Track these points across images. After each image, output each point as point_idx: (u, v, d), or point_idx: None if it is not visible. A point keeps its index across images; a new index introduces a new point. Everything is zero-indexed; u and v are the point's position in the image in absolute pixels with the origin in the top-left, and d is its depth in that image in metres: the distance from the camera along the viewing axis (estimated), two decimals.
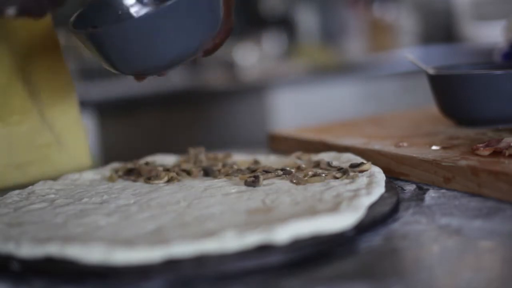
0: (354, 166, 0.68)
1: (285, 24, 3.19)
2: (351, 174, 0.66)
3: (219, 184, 0.67)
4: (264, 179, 0.67)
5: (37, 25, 0.83)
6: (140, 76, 0.68)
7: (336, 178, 0.66)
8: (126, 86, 2.59)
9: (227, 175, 0.71)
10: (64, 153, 0.88)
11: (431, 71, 0.86)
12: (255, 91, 2.68)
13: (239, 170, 0.72)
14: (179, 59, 0.64)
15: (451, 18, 3.52)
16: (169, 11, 0.60)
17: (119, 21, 0.66)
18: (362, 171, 0.67)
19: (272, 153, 0.88)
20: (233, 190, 0.64)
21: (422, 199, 0.62)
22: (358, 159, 0.71)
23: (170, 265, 0.47)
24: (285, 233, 0.49)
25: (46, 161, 0.86)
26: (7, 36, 0.82)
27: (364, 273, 0.46)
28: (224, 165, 0.75)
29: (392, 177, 0.70)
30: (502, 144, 0.66)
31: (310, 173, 0.67)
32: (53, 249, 0.49)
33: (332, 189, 0.62)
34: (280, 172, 0.69)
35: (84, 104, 2.40)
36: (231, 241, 0.48)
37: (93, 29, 0.63)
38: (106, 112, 2.43)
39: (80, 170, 0.87)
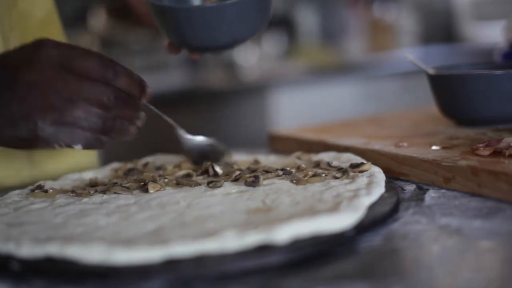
0: (354, 166, 0.68)
1: (285, 24, 3.19)
2: (351, 174, 0.66)
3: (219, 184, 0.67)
4: (264, 179, 0.67)
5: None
6: (196, 52, 0.81)
7: (336, 178, 0.66)
8: None
9: (226, 175, 0.71)
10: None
11: (431, 71, 0.86)
12: (255, 91, 2.68)
13: (239, 170, 0.72)
14: (235, 43, 0.78)
15: (451, 18, 3.52)
16: (236, 6, 0.75)
17: (202, 5, 0.80)
18: (362, 171, 0.67)
19: (272, 153, 0.88)
20: (233, 190, 0.64)
21: (422, 199, 0.62)
22: (358, 159, 0.71)
23: (170, 265, 0.47)
24: (285, 233, 0.49)
25: (58, 157, 0.87)
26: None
27: (364, 273, 0.46)
28: (225, 165, 0.75)
29: (392, 177, 0.70)
30: (502, 144, 0.66)
31: (310, 173, 0.67)
32: (53, 249, 0.49)
33: (332, 189, 0.62)
34: (280, 172, 0.69)
35: None
36: (231, 241, 0.48)
37: (180, 6, 0.79)
38: None
39: (89, 165, 0.88)
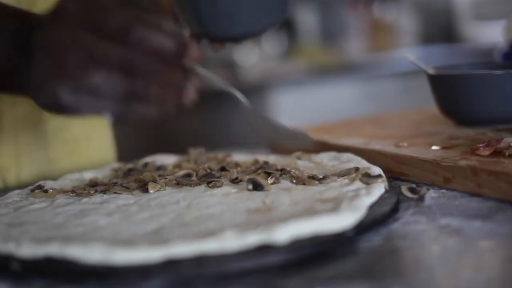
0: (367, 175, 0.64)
1: (285, 24, 3.19)
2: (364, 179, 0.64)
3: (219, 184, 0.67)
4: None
5: None
6: (219, 43, 0.76)
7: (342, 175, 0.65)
8: None
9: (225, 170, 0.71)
10: (91, 147, 0.91)
11: (431, 71, 0.86)
12: (255, 91, 2.68)
13: (239, 168, 0.72)
14: (255, 32, 0.75)
15: (451, 18, 3.52)
16: None
17: None
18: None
19: (272, 153, 0.88)
20: (233, 190, 0.64)
21: (422, 199, 0.62)
22: (358, 159, 0.71)
23: (170, 265, 0.47)
24: (285, 233, 0.49)
25: (74, 155, 0.88)
26: None
27: (364, 273, 0.46)
28: (225, 166, 0.75)
29: (392, 177, 0.70)
30: (502, 144, 0.66)
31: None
32: (53, 249, 0.49)
33: (332, 189, 0.62)
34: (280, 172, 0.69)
35: None
36: (231, 241, 0.48)
37: None
38: None
39: (106, 162, 0.89)
